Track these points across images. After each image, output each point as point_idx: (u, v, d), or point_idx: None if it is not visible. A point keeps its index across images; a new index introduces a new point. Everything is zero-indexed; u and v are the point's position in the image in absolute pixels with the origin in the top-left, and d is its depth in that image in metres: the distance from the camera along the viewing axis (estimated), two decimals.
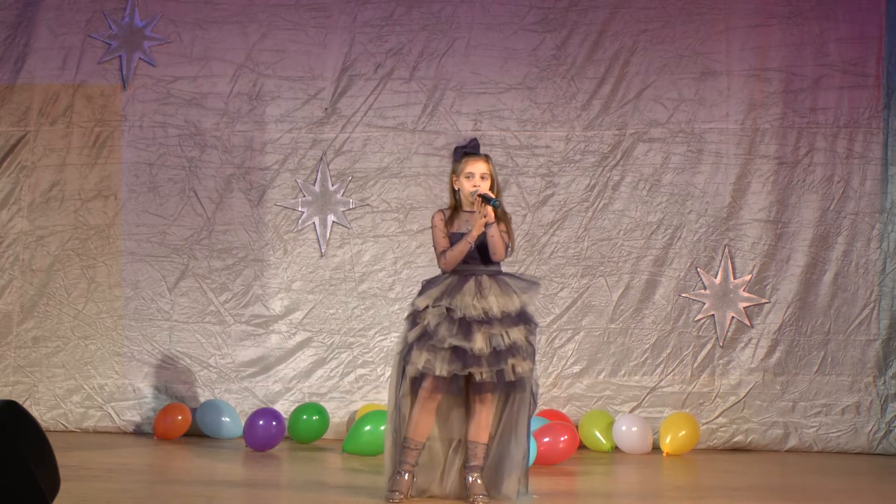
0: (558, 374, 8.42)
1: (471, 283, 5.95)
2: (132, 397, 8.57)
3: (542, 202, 8.50)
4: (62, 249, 8.64)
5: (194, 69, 8.66)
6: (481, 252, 5.99)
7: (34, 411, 8.37)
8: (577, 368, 8.43)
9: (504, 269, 6.10)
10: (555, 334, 8.45)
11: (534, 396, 6.03)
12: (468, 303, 5.89)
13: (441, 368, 5.85)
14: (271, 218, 8.62)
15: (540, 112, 8.51)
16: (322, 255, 8.61)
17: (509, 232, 6.04)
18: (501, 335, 5.87)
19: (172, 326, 8.61)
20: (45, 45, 8.65)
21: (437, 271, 6.10)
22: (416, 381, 5.96)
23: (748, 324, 8.35)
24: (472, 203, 6.01)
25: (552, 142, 8.51)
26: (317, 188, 8.61)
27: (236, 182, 8.63)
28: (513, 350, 5.88)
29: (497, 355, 5.85)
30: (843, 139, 8.32)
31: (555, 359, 8.44)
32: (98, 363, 8.60)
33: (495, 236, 5.94)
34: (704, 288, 8.39)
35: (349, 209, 8.61)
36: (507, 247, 6.01)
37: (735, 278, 8.37)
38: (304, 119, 8.63)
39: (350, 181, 8.60)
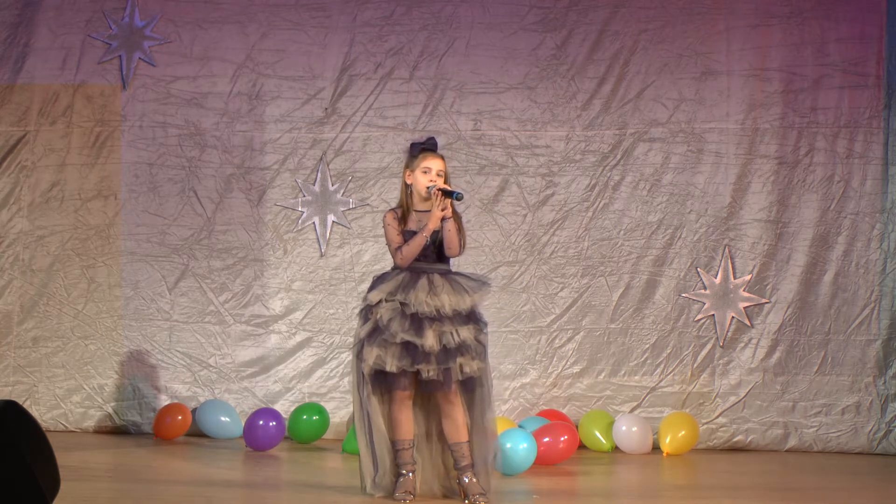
0: (558, 374, 8.42)
1: (423, 281, 5.98)
2: (132, 397, 8.56)
3: (543, 202, 8.50)
4: (62, 249, 8.64)
5: (194, 69, 8.66)
6: (433, 250, 6.02)
7: (34, 411, 8.37)
8: (577, 368, 8.43)
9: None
10: (555, 334, 8.45)
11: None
12: (421, 299, 5.92)
13: (391, 364, 5.88)
14: (271, 218, 8.62)
15: (540, 112, 8.51)
16: (322, 255, 8.61)
17: (461, 230, 6.05)
18: (451, 333, 5.90)
19: (172, 326, 8.61)
20: (45, 45, 8.65)
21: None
22: (376, 378, 5.97)
23: (748, 324, 8.35)
24: (426, 199, 6.04)
25: (552, 141, 8.51)
26: (317, 188, 8.61)
27: (236, 182, 8.63)
28: (462, 349, 5.91)
29: (446, 353, 5.88)
30: (844, 139, 8.32)
31: (555, 359, 8.43)
32: (98, 363, 8.60)
33: (452, 231, 5.97)
34: (704, 288, 8.39)
35: (349, 209, 8.61)
36: (461, 243, 6.03)
37: (735, 278, 8.36)
38: (304, 119, 8.63)
39: (350, 181, 8.60)
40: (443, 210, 5.94)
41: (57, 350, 8.61)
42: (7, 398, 4.99)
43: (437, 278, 6.00)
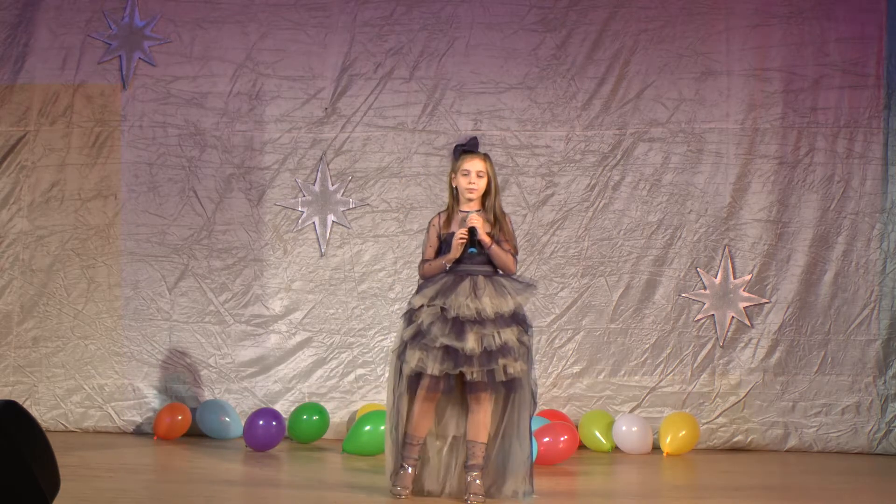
0: (558, 374, 8.42)
1: (466, 283, 6.00)
2: (132, 397, 8.57)
3: (543, 202, 8.50)
4: (62, 249, 8.64)
5: (194, 69, 8.66)
6: (479, 252, 6.04)
7: (34, 411, 8.37)
8: (577, 368, 8.43)
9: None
10: (555, 334, 8.45)
11: (533, 396, 6.07)
12: (462, 302, 5.95)
13: (433, 367, 5.92)
14: (271, 218, 8.62)
15: (540, 112, 8.51)
16: (322, 255, 8.61)
17: (508, 237, 6.11)
18: (493, 336, 5.93)
19: (172, 326, 8.61)
20: (45, 45, 8.65)
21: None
22: (413, 380, 6.02)
23: (748, 324, 8.35)
24: (470, 200, 6.10)
25: (552, 141, 8.51)
26: (317, 188, 8.61)
27: (236, 182, 8.63)
28: (504, 351, 5.93)
29: (488, 355, 5.91)
30: (844, 139, 8.32)
31: (555, 359, 8.43)
32: (98, 363, 8.60)
33: (499, 255, 6.02)
34: (704, 288, 8.39)
35: (349, 209, 8.61)
36: (514, 258, 6.08)
37: (735, 278, 8.36)
38: (304, 119, 8.63)
39: (350, 181, 8.60)
40: (461, 241, 5.98)
41: (57, 350, 8.61)
42: (7, 398, 4.99)
43: (480, 280, 6.03)
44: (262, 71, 8.64)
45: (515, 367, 5.94)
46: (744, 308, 8.36)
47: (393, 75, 8.59)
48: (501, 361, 5.90)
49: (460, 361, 5.90)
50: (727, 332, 8.36)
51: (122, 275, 8.63)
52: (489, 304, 5.95)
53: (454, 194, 6.14)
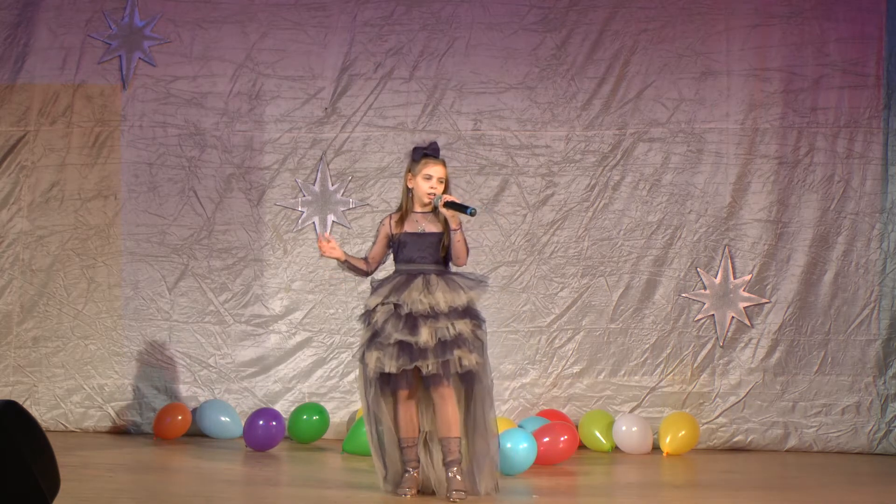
0: (558, 374, 8.42)
1: (419, 280, 6.12)
2: (132, 397, 8.56)
3: (542, 202, 8.50)
4: (62, 249, 8.64)
5: (194, 69, 8.66)
6: (430, 251, 6.17)
7: (34, 411, 8.37)
8: (577, 368, 8.43)
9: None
10: (555, 334, 8.45)
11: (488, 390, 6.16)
12: (415, 298, 6.06)
13: (390, 365, 6.02)
14: (271, 218, 8.62)
15: (540, 112, 8.51)
16: (322, 255, 8.60)
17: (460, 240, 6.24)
18: (447, 327, 6.03)
19: (172, 326, 8.61)
20: (45, 45, 8.65)
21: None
22: (382, 381, 6.09)
23: (748, 324, 8.35)
24: (426, 204, 6.20)
25: (552, 141, 8.51)
26: (317, 188, 8.61)
27: (236, 182, 8.63)
28: (459, 342, 6.03)
29: (443, 346, 6.01)
30: (844, 139, 8.32)
31: (555, 359, 8.43)
32: (98, 363, 8.59)
33: (461, 242, 6.15)
34: (704, 288, 8.39)
35: (349, 209, 8.61)
36: (468, 250, 6.22)
37: (735, 278, 8.36)
38: (304, 119, 8.63)
39: (350, 181, 8.60)
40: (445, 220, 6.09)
41: (57, 350, 8.61)
42: (7, 398, 4.99)
43: (433, 278, 6.14)
44: (262, 71, 8.64)
45: (470, 359, 6.03)
46: (744, 308, 8.35)
47: (393, 75, 8.59)
48: (457, 353, 5.99)
49: (415, 356, 6.00)
50: (727, 332, 8.36)
51: (122, 275, 8.63)
52: (442, 298, 6.06)
53: (409, 195, 6.23)
